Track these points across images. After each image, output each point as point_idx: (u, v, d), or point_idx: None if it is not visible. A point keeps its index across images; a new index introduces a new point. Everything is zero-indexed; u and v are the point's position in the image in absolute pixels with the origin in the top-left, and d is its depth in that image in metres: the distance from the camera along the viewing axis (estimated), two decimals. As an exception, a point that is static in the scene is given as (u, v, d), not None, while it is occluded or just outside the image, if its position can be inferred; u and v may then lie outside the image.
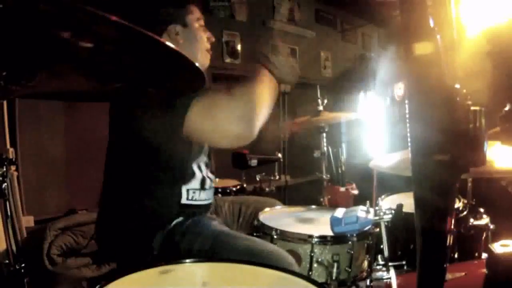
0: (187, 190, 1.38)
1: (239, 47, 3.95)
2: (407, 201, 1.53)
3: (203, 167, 1.47)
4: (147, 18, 1.41)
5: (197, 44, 1.41)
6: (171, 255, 1.26)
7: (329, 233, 1.39)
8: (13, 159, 1.10)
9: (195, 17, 1.42)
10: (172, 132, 1.21)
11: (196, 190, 1.42)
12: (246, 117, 1.18)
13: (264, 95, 1.26)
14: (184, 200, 1.37)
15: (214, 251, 1.23)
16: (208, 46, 1.46)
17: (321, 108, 2.52)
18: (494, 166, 1.12)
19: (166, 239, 1.29)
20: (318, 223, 1.66)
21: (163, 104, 1.20)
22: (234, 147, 1.26)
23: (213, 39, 1.47)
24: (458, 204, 1.79)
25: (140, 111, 1.22)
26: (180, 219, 1.35)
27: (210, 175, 1.51)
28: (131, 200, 1.34)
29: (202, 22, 1.45)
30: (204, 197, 1.45)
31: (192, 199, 1.40)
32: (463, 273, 1.37)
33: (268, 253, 1.20)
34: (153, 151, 1.29)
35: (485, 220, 1.81)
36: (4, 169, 1.08)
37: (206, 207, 1.48)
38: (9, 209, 1.13)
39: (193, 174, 1.41)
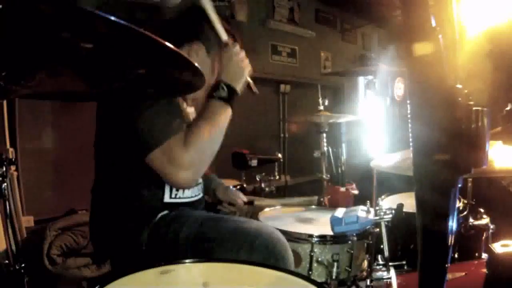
0: (171, 188, 1.35)
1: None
2: (407, 201, 1.53)
3: None
4: (184, 25, 1.40)
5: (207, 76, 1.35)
6: (159, 248, 1.25)
7: (329, 232, 1.39)
8: (13, 159, 1.10)
9: (219, 55, 1.38)
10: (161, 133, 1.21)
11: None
12: (197, 170, 1.25)
13: (216, 142, 1.27)
14: (167, 199, 1.34)
15: (201, 235, 1.22)
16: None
17: (321, 108, 2.52)
18: (495, 166, 1.12)
19: (152, 233, 1.27)
20: (318, 223, 1.66)
21: (156, 108, 1.20)
22: (175, 186, 1.33)
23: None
24: (458, 204, 1.79)
25: (136, 110, 1.21)
26: (165, 212, 1.33)
27: None
28: (117, 199, 1.33)
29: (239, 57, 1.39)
30: (189, 194, 1.41)
31: (175, 197, 1.37)
32: (463, 273, 1.37)
33: (254, 230, 1.19)
34: (136, 149, 1.27)
35: (485, 220, 1.81)
36: (4, 169, 1.08)
37: (193, 204, 1.44)
38: (9, 209, 1.13)
39: None
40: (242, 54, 1.37)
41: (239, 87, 1.33)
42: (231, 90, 1.30)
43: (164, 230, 1.27)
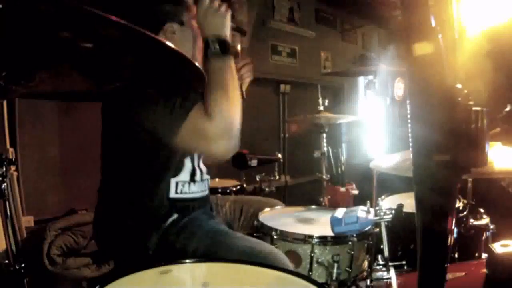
0: (176, 183, 1.35)
1: (239, 47, 3.95)
2: (407, 201, 1.53)
3: (195, 157, 1.43)
4: (143, 16, 1.37)
5: (194, 43, 1.37)
6: (167, 255, 1.25)
7: (329, 233, 1.39)
8: (13, 159, 1.10)
9: (193, 15, 1.37)
10: (168, 130, 1.20)
11: (185, 183, 1.37)
12: (229, 137, 1.20)
13: (235, 97, 1.23)
14: (172, 194, 1.33)
15: (210, 251, 1.21)
16: None
17: (321, 108, 2.52)
18: (494, 166, 1.12)
19: (161, 239, 1.27)
20: (318, 223, 1.66)
21: (163, 103, 1.19)
22: (217, 158, 1.26)
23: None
24: (458, 204, 1.79)
25: (139, 108, 1.21)
26: (175, 216, 1.32)
27: (202, 166, 1.46)
28: (123, 198, 1.33)
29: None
30: (194, 190, 1.40)
31: (181, 192, 1.36)
32: (463, 273, 1.37)
33: (265, 254, 1.18)
34: (142, 145, 1.27)
35: (485, 220, 1.81)
36: (4, 169, 1.08)
37: (200, 201, 1.43)
38: (9, 209, 1.13)
39: (182, 166, 1.37)
40: (215, 2, 1.30)
41: (226, 33, 1.27)
42: (221, 41, 1.25)
43: (173, 238, 1.27)
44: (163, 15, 1.36)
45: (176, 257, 1.22)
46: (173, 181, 1.34)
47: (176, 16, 1.37)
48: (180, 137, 1.18)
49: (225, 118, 1.19)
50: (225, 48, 1.25)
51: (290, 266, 1.22)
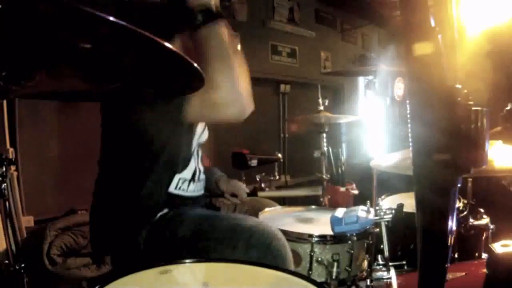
0: (178, 179, 1.35)
1: (239, 47, 3.94)
2: (407, 201, 1.53)
3: (197, 157, 1.44)
4: (170, 12, 1.35)
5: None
6: (157, 247, 1.25)
7: (329, 232, 1.39)
8: (13, 159, 1.10)
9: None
10: (171, 121, 1.21)
11: (186, 181, 1.39)
12: (238, 94, 1.19)
13: (237, 61, 1.21)
14: (172, 189, 1.34)
15: (198, 234, 1.21)
16: None
17: (321, 108, 2.52)
18: (495, 165, 1.12)
19: (150, 232, 1.27)
20: (318, 223, 1.66)
21: (161, 100, 1.19)
22: (236, 119, 1.23)
23: None
24: (458, 204, 1.79)
25: (138, 106, 1.21)
26: (165, 211, 1.32)
27: (200, 166, 1.48)
28: (119, 193, 1.33)
29: None
30: (192, 189, 1.42)
31: (179, 189, 1.37)
32: (463, 273, 1.37)
33: (252, 227, 1.18)
34: (148, 141, 1.27)
35: (485, 220, 1.81)
36: (4, 169, 1.08)
37: (194, 201, 1.44)
38: (9, 209, 1.13)
39: (188, 163, 1.38)
40: None
41: (210, 2, 1.21)
42: (206, 10, 1.20)
43: (162, 229, 1.27)
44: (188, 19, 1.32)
45: (166, 247, 1.23)
46: (176, 177, 1.35)
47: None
48: (191, 112, 1.18)
49: (230, 83, 1.17)
50: (210, 14, 1.20)
51: (278, 233, 1.21)
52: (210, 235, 1.20)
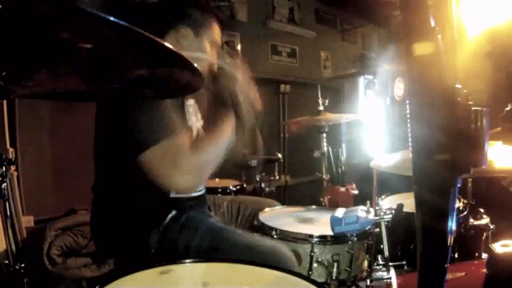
0: None
1: (239, 47, 3.95)
2: (407, 201, 1.53)
3: None
4: (166, 8, 1.38)
5: (198, 60, 1.34)
6: (169, 253, 1.25)
7: (329, 233, 1.39)
8: (13, 159, 1.10)
9: (211, 36, 1.39)
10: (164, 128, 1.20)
11: None
12: (199, 177, 1.25)
13: (220, 153, 1.26)
14: (173, 194, 1.34)
15: (214, 247, 1.22)
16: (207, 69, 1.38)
17: (321, 108, 2.52)
18: (495, 166, 1.12)
19: (162, 237, 1.27)
20: (318, 223, 1.66)
21: (156, 108, 1.19)
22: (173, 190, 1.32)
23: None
24: (458, 204, 1.79)
25: (135, 109, 1.20)
26: (173, 213, 1.32)
27: None
28: (122, 197, 1.32)
29: (217, 44, 1.41)
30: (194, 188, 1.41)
31: (180, 192, 1.36)
32: (463, 273, 1.37)
33: (268, 249, 1.19)
34: (140, 145, 1.27)
35: (485, 220, 1.81)
36: (4, 169, 1.08)
37: (199, 200, 1.44)
38: (9, 209, 1.13)
39: None
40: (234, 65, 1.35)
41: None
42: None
43: (175, 236, 1.27)
44: (185, 16, 1.36)
45: (179, 255, 1.22)
46: None
47: (196, 25, 1.36)
48: (151, 155, 1.16)
49: (207, 158, 1.22)
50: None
51: (294, 260, 1.23)
52: (226, 250, 1.20)
